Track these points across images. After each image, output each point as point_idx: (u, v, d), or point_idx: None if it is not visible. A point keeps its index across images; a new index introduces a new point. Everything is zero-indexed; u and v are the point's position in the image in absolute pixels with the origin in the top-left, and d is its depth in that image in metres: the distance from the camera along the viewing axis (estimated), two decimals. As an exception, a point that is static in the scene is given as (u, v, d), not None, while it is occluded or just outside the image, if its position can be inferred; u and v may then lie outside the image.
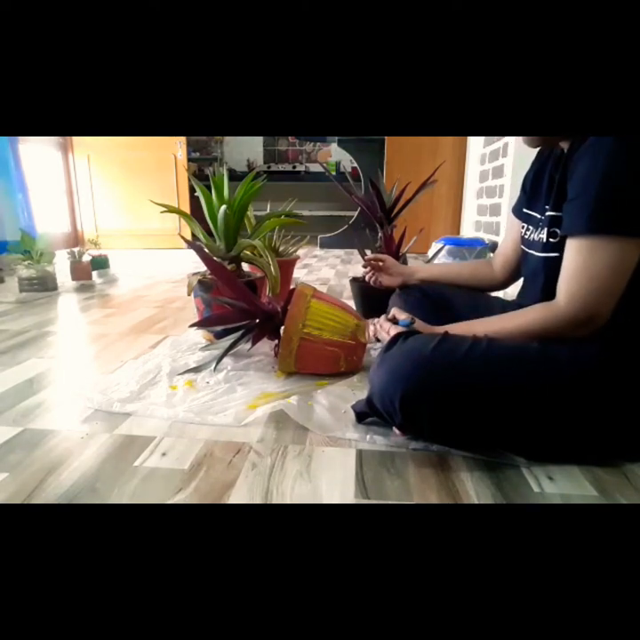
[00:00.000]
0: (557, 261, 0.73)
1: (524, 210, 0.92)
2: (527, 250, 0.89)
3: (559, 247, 0.73)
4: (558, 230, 0.75)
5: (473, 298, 1.05)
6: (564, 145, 0.79)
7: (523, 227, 0.92)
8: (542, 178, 0.87)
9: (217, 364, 1.13)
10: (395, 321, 0.91)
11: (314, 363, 1.09)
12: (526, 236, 0.90)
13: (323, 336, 1.05)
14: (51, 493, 0.68)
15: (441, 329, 0.82)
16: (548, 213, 0.80)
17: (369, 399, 0.79)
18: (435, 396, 0.71)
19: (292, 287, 1.14)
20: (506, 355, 0.72)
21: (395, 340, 0.80)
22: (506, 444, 0.76)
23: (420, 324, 0.87)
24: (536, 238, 0.84)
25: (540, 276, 0.82)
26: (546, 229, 0.79)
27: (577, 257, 0.68)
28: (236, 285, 1.15)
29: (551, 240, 0.78)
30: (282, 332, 1.07)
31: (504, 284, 1.09)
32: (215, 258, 1.38)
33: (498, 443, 0.76)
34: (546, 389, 0.70)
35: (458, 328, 0.81)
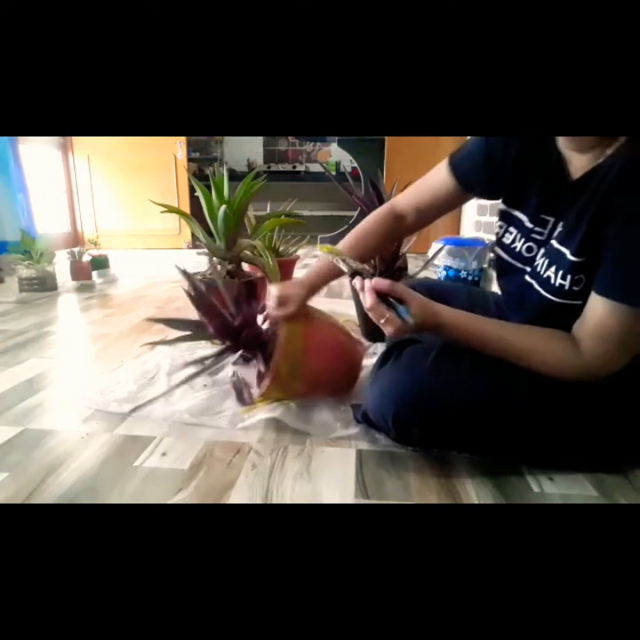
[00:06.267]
0: (575, 309, 0.67)
1: (504, 207, 0.79)
2: (508, 258, 0.79)
3: (581, 296, 0.66)
4: (583, 277, 0.66)
5: (470, 296, 1.05)
6: (569, 146, 0.68)
7: (500, 226, 0.80)
8: (528, 173, 0.74)
9: (187, 380, 1.01)
10: (386, 300, 0.70)
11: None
12: (507, 241, 0.79)
13: (305, 390, 0.95)
14: (51, 493, 0.68)
15: (442, 312, 0.71)
16: (570, 257, 0.67)
17: (364, 413, 0.79)
18: (428, 415, 0.70)
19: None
20: (503, 376, 0.70)
21: (389, 353, 0.79)
22: (505, 454, 0.75)
23: (418, 304, 0.70)
24: (543, 274, 0.71)
25: (550, 316, 0.70)
26: (570, 276, 0.67)
27: (617, 323, 0.62)
28: (208, 308, 1.04)
29: (574, 288, 0.67)
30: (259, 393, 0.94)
31: (411, 233, 0.97)
32: (215, 258, 1.38)
33: (497, 453, 0.75)
34: (545, 407, 0.70)
35: (461, 318, 0.71)
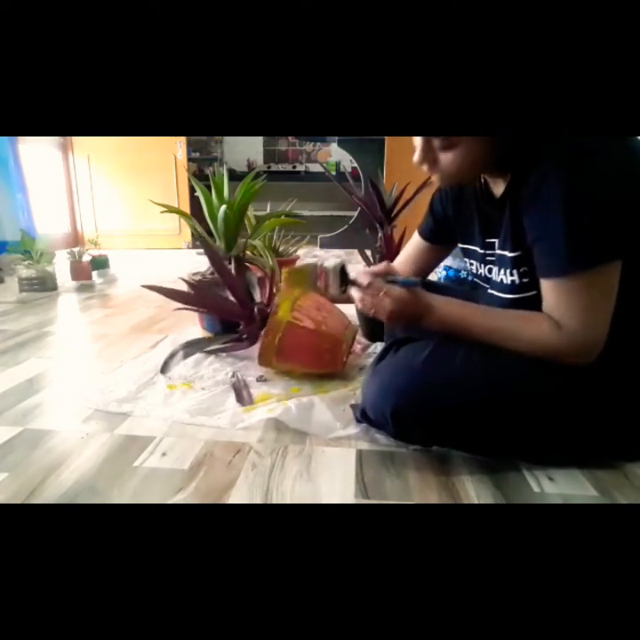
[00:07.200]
0: (534, 299, 0.70)
1: (461, 245, 0.90)
2: (483, 284, 0.85)
3: (533, 285, 0.70)
4: (527, 268, 0.71)
5: (470, 297, 1.05)
6: (489, 177, 0.77)
7: (465, 261, 0.90)
8: (467, 211, 0.84)
9: (182, 358, 1.11)
10: (390, 280, 0.76)
11: (297, 351, 1.03)
12: (474, 271, 0.88)
13: (309, 325, 1.01)
14: (51, 493, 0.68)
15: (437, 301, 0.75)
16: (509, 254, 0.73)
17: (363, 410, 0.79)
18: (426, 410, 0.70)
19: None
20: (500, 367, 0.70)
21: (388, 349, 0.80)
22: (504, 451, 0.76)
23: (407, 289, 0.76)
24: (497, 279, 0.77)
25: None
26: (515, 271, 0.73)
27: (566, 295, 0.65)
28: (233, 285, 1.16)
29: (524, 280, 0.72)
30: (270, 316, 1.02)
31: None
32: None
33: (496, 449, 0.75)
34: (543, 398, 0.70)
35: (454, 306, 0.75)
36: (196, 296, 1.21)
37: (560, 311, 0.66)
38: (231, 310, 1.18)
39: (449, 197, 0.89)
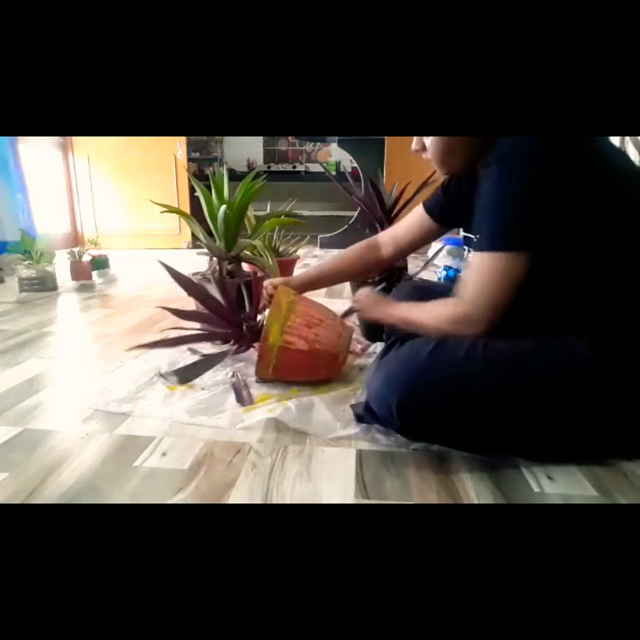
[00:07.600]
0: None
1: (464, 233, 0.96)
2: None
3: None
4: None
5: None
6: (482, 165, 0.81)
7: (464, 249, 0.96)
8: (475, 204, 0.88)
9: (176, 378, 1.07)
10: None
11: (293, 371, 1.03)
12: (470, 261, 0.91)
13: (303, 347, 0.99)
14: (51, 493, 0.68)
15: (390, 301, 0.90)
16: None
17: (367, 404, 0.79)
18: (431, 403, 0.71)
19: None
20: (502, 359, 0.71)
21: (392, 343, 0.80)
22: (506, 447, 0.76)
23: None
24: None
25: None
26: None
27: (473, 270, 0.72)
28: (210, 304, 1.14)
29: None
30: (261, 341, 1.00)
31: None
32: (214, 258, 1.38)
33: (498, 445, 0.76)
34: (544, 391, 0.70)
35: (398, 304, 0.87)
36: (190, 318, 1.19)
37: (464, 283, 0.73)
38: (220, 334, 1.16)
39: (466, 181, 0.92)
